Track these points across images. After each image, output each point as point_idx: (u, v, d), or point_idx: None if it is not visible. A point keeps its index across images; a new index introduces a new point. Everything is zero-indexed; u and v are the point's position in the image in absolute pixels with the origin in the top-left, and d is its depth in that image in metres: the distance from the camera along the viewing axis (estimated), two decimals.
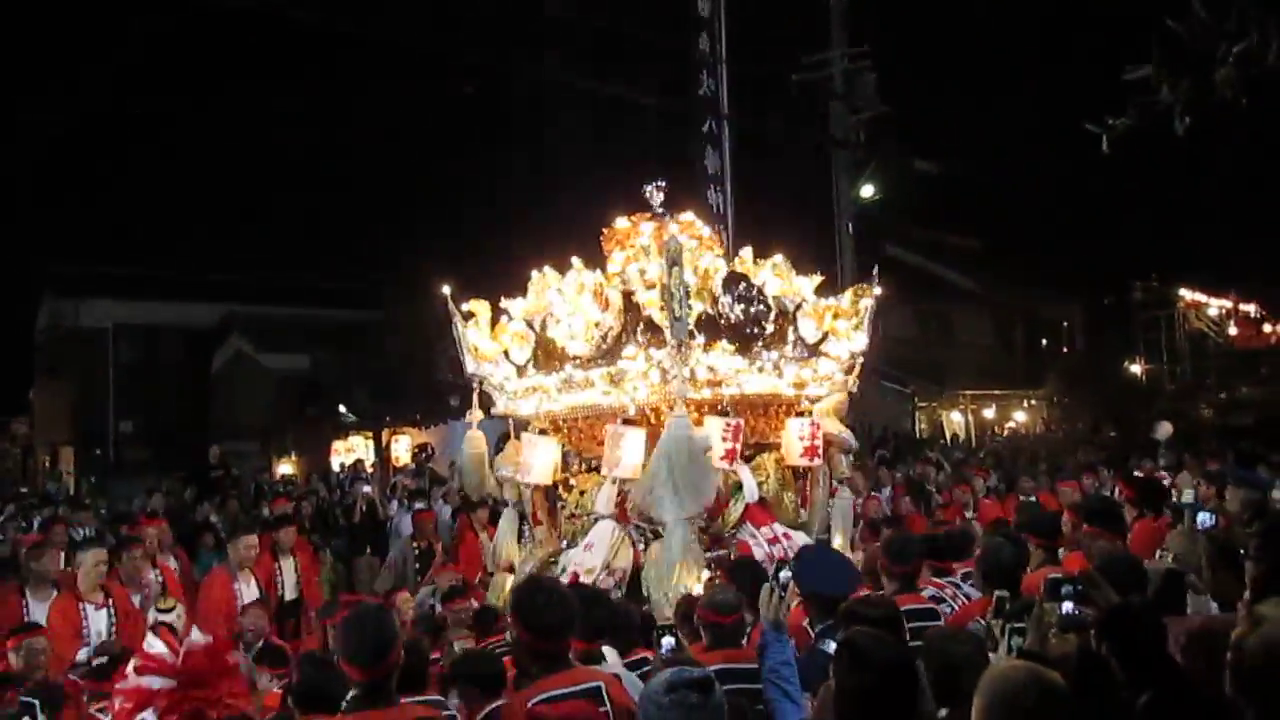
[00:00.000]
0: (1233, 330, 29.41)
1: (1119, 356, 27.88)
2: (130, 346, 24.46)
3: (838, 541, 7.80)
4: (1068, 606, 3.41)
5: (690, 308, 6.64)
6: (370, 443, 22.77)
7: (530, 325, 7.31)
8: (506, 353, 7.48)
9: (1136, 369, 28.03)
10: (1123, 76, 5.65)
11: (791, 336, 7.35)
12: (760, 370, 7.13)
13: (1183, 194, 19.09)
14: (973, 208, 22.46)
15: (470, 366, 7.59)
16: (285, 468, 21.58)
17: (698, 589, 6.53)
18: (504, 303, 7.55)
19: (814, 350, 7.47)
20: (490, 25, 19.03)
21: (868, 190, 19.31)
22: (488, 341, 7.60)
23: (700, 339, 6.78)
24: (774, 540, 7.25)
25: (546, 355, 7.25)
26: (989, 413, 25.75)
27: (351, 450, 22.39)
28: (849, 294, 7.76)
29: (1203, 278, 27.84)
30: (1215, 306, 29.42)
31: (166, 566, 7.40)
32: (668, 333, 6.65)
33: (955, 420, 25.03)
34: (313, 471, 19.03)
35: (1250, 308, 29.33)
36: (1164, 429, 9.52)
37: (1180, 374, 27.75)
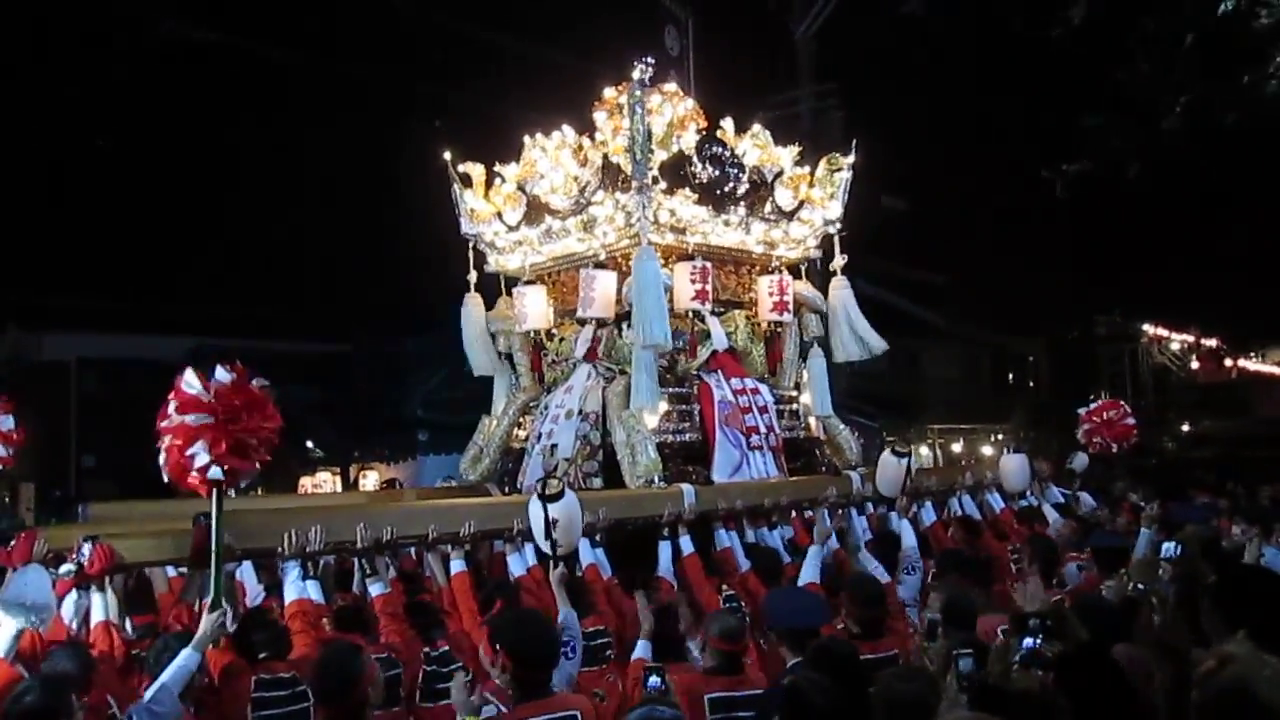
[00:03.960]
0: (1195, 364, 29.85)
1: (1084, 390, 28.16)
2: (94, 380, 24.17)
3: (807, 398, 8.22)
4: (1028, 641, 3.44)
5: (651, 152, 7.04)
6: (337, 478, 22.59)
7: (521, 188, 7.89)
8: (500, 214, 8.06)
9: (1099, 402, 28.29)
10: (1077, 124, 5.82)
11: (771, 204, 7.80)
12: (727, 224, 7.61)
13: (1143, 231, 19.39)
14: (939, 244, 22.71)
15: (466, 227, 8.25)
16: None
17: (652, 421, 7.07)
18: (497, 167, 8.14)
19: (790, 216, 7.95)
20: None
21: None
22: (482, 203, 8.23)
23: (662, 185, 7.26)
24: (742, 392, 7.66)
25: (533, 211, 7.82)
26: (957, 447, 25.92)
27: (319, 486, 22.18)
28: (823, 163, 8.23)
29: (1165, 313, 28.26)
30: (1178, 341, 29.85)
31: None
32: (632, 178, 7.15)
33: (924, 455, 25.16)
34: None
35: (1212, 342, 29.79)
36: (1080, 460, 9.60)
37: (1144, 407, 28.09)
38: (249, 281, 23.19)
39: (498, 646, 3.64)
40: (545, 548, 5.26)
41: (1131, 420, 9.75)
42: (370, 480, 22.39)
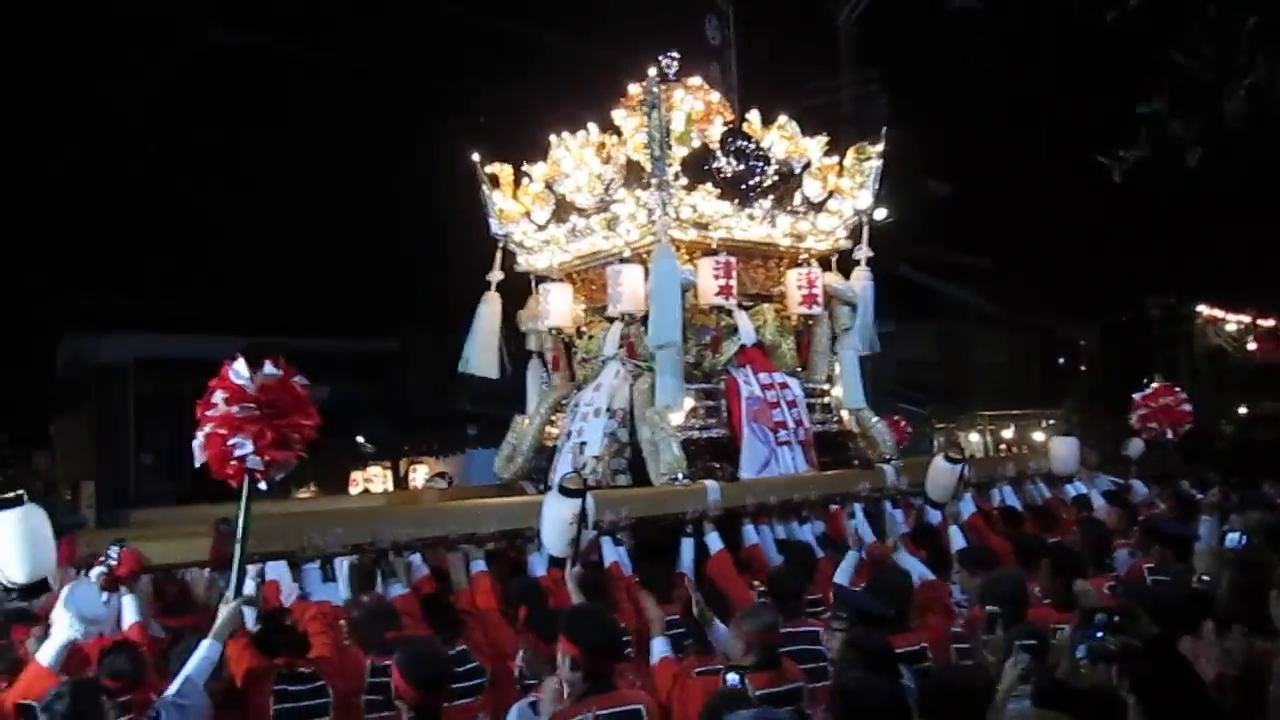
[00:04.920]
0: (1252, 345, 29.22)
1: (1137, 374, 27.70)
2: (151, 380, 24.62)
3: (839, 391, 8.13)
4: (1094, 635, 3.41)
5: (670, 148, 7.03)
6: (388, 473, 22.84)
7: (549, 187, 7.91)
8: (528, 213, 8.09)
9: (1155, 386, 27.83)
10: (1136, 109, 5.73)
11: (799, 196, 7.74)
12: (751, 218, 7.55)
13: (1198, 212, 19.00)
14: (986, 229, 22.43)
15: (495, 227, 8.29)
16: (303, 497, 21.66)
17: (678, 418, 7.04)
18: (525, 167, 8.16)
19: (818, 208, 7.87)
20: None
21: (881, 213, 19.27)
22: (510, 202, 8.28)
23: (683, 181, 7.23)
24: (770, 386, 7.58)
25: (560, 209, 7.85)
26: (1008, 433, 25.64)
27: (370, 480, 22.46)
28: (852, 152, 8.14)
29: (1220, 293, 27.70)
30: (1233, 322, 29.24)
31: None
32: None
33: (974, 441, 24.93)
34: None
35: (1270, 322, 29.15)
36: (1135, 445, 9.37)
37: (1199, 390, 27.59)
38: (300, 281, 23.48)
39: (566, 639, 3.68)
40: (560, 548, 5.22)
41: (1188, 406, 9.56)
42: (420, 474, 22.62)
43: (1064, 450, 8.64)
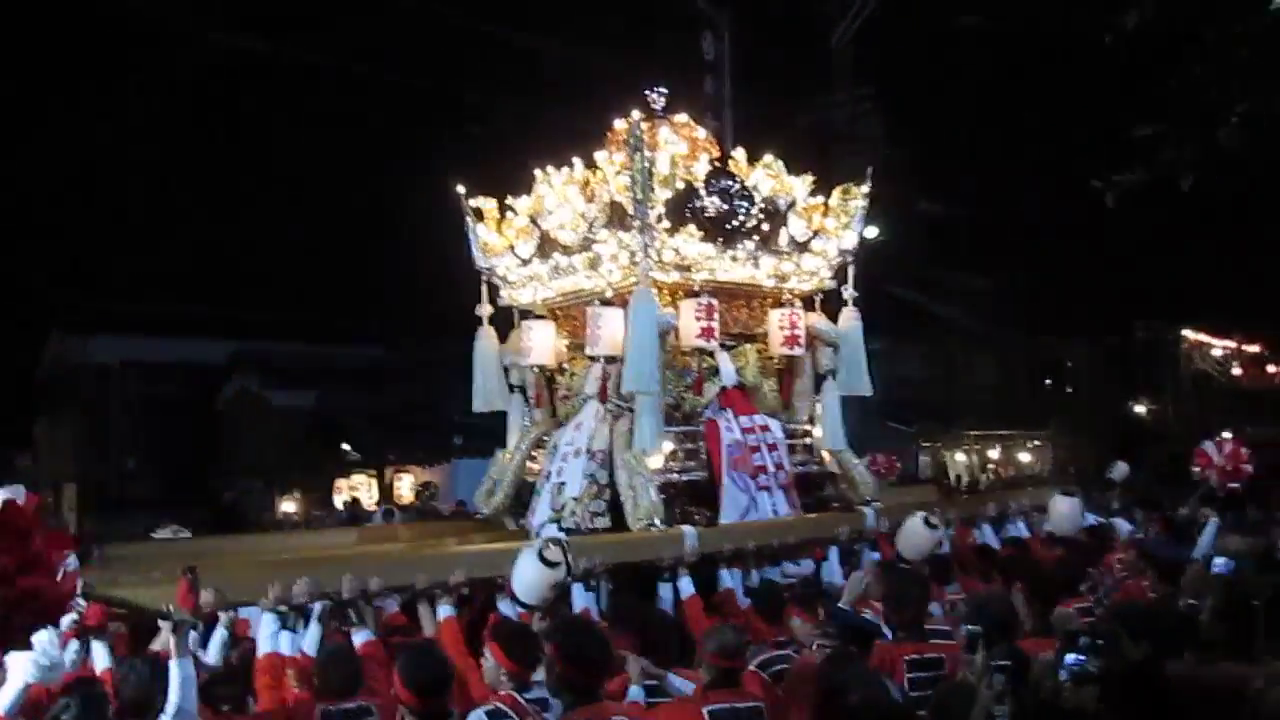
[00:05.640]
0: (1237, 370, 29.37)
1: (1123, 397, 27.84)
2: (137, 382, 24.53)
3: (819, 433, 8.04)
4: (1071, 658, 3.40)
5: (653, 191, 6.97)
6: (374, 481, 22.75)
7: (534, 221, 7.85)
8: (512, 247, 8.04)
9: (1141, 409, 27.98)
10: (1132, 133, 5.75)
11: (785, 235, 7.70)
12: (734, 259, 7.51)
13: (1185, 236, 19.12)
14: (976, 248, 22.54)
15: (479, 260, 8.23)
16: (288, 505, 21.56)
17: (655, 463, 7.00)
18: (509, 200, 8.09)
19: (803, 248, 7.81)
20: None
21: (871, 231, 19.31)
22: (495, 236, 8.20)
23: (665, 224, 7.21)
24: (751, 430, 7.56)
25: (544, 245, 7.80)
26: (993, 453, 25.70)
27: (355, 489, 22.36)
28: (837, 192, 8.08)
29: (1206, 318, 27.85)
30: (1219, 347, 29.40)
31: None
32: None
33: (959, 461, 24.98)
34: (312, 510, 19.01)
35: (1255, 348, 29.32)
36: (1120, 469, 9.29)
37: (1184, 414, 27.69)
38: (289, 286, 23.42)
39: (551, 647, 3.80)
40: (533, 600, 5.24)
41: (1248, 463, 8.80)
42: (405, 483, 22.55)
43: (1066, 509, 7.99)
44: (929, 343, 25.58)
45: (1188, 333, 28.65)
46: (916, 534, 6.78)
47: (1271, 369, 29.22)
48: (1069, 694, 3.39)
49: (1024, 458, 26.18)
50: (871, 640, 4.48)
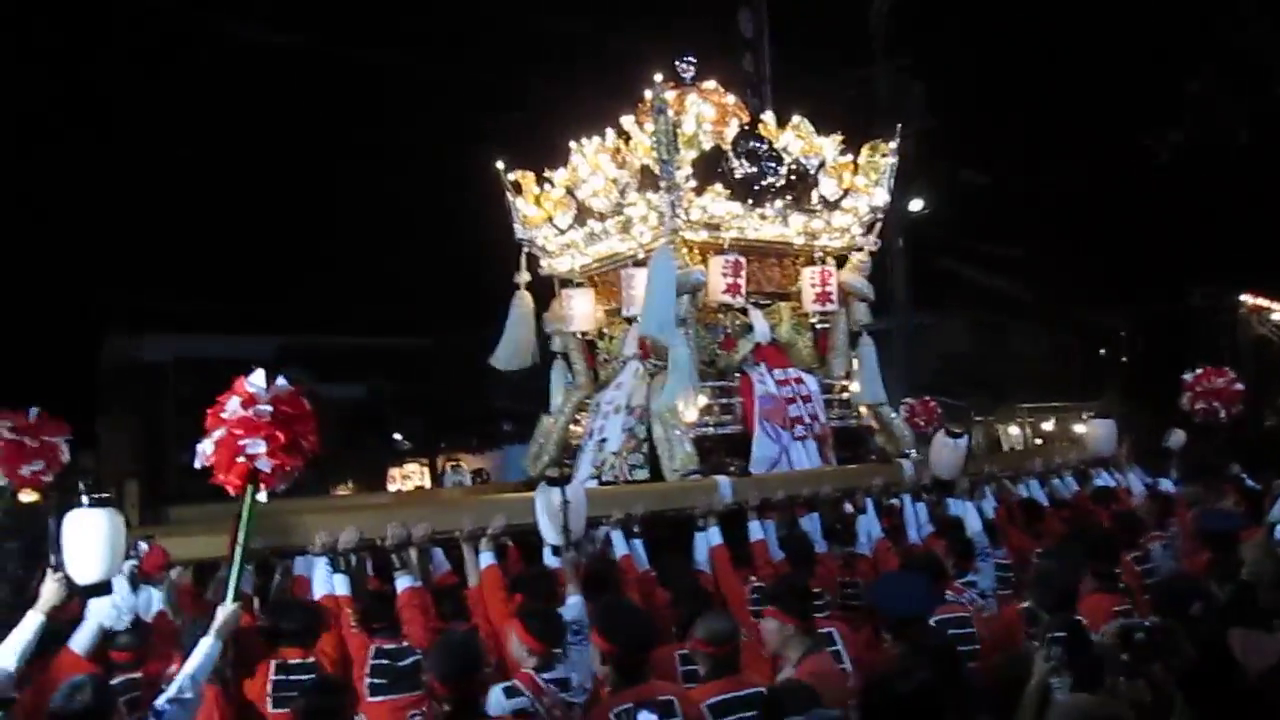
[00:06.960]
0: None
1: (1178, 365, 27.26)
2: (190, 380, 24.92)
3: (855, 388, 8.26)
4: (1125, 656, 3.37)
5: (678, 151, 7.13)
6: (425, 469, 22.97)
7: (570, 192, 8.11)
8: (550, 218, 8.30)
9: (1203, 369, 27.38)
10: (1183, 89, 5.58)
11: (815, 195, 7.81)
12: (764, 218, 7.64)
13: (1241, 196, 18.63)
14: (1023, 217, 22.16)
15: (519, 232, 8.52)
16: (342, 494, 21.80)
17: (692, 415, 7.16)
18: (547, 173, 8.39)
19: (834, 206, 7.95)
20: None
21: (916, 204, 19.09)
22: (533, 208, 8.47)
23: (692, 183, 7.39)
24: (785, 383, 7.74)
25: (581, 214, 8.06)
26: (1048, 425, 25.31)
27: (408, 477, 22.60)
28: (866, 149, 8.22)
29: (1265, 282, 27.19)
30: (1279, 311, 28.70)
31: None
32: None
33: (1013, 434, 24.66)
34: None
35: None
36: (1177, 436, 9.18)
37: (1244, 380, 27.07)
38: (334, 281, 23.66)
39: (598, 634, 3.79)
40: (555, 536, 5.32)
41: (1240, 386, 9.43)
42: (461, 472, 22.71)
43: (1101, 432, 8.84)
44: (977, 315, 25.26)
45: (1246, 297, 27.99)
46: (943, 448, 7.04)
47: None
48: (1126, 687, 3.35)
49: (1079, 429, 25.76)
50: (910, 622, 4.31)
